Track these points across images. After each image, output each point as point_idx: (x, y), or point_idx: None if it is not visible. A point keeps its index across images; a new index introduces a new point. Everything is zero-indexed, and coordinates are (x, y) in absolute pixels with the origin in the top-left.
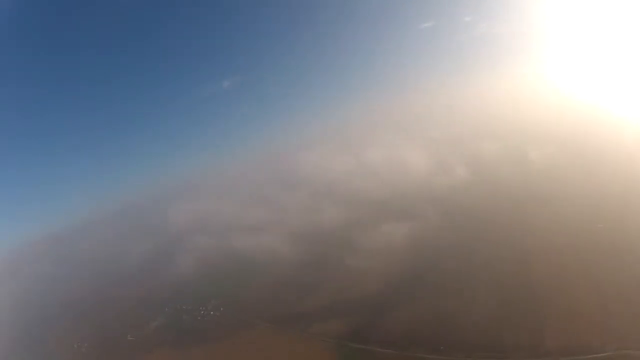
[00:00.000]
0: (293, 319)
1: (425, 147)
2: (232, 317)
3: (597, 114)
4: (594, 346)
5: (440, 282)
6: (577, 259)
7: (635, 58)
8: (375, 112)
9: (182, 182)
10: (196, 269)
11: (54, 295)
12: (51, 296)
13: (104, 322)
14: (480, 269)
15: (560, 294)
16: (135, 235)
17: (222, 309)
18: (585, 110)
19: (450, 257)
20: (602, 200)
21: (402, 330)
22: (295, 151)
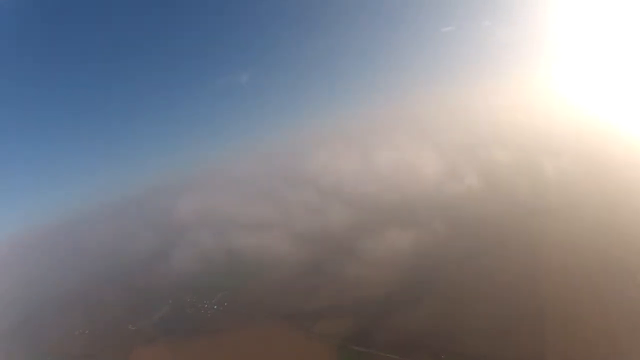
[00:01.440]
0: (296, 318)
1: (435, 152)
2: (235, 312)
3: (614, 126)
4: None
5: (444, 292)
6: (584, 277)
7: None
8: (387, 114)
9: (190, 176)
10: (201, 263)
11: (59, 284)
12: (56, 285)
13: (107, 311)
14: (485, 281)
15: (564, 311)
16: (140, 227)
17: (226, 303)
18: (601, 122)
19: (456, 267)
20: (614, 217)
21: (404, 336)
22: (304, 150)
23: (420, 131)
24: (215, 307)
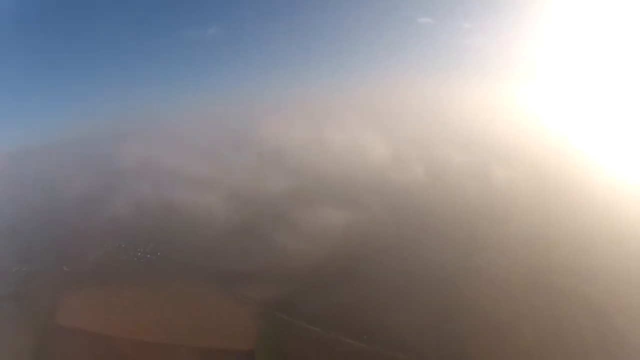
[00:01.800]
0: (223, 278)
1: (389, 139)
2: (166, 263)
3: (576, 141)
4: None
5: (374, 275)
6: (519, 283)
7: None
8: (350, 94)
9: (137, 124)
10: (136, 212)
11: None
12: None
13: (44, 249)
14: (417, 272)
15: (494, 313)
16: (80, 169)
17: (158, 253)
18: (565, 136)
19: (389, 254)
20: (557, 231)
21: (328, 311)
22: (256, 113)
23: (378, 116)
24: (149, 255)
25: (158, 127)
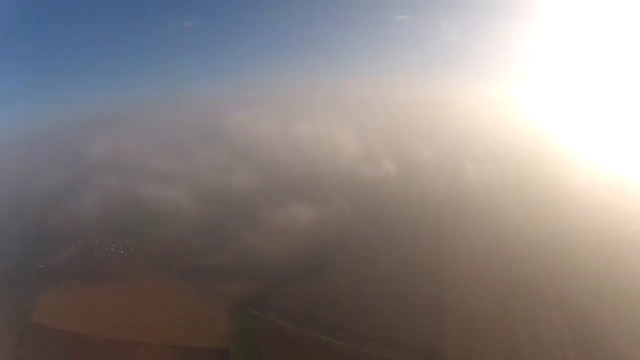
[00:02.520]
0: (197, 274)
1: (360, 133)
2: (139, 259)
3: (555, 141)
4: None
5: (345, 269)
6: (489, 278)
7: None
8: (327, 91)
9: (108, 116)
10: (106, 206)
11: None
12: None
13: (19, 244)
14: (389, 267)
15: (465, 306)
16: (50, 161)
17: (131, 249)
18: (544, 135)
19: (359, 248)
20: (526, 226)
21: (301, 307)
22: (228, 107)
23: (350, 112)
24: (122, 252)
25: (131, 120)
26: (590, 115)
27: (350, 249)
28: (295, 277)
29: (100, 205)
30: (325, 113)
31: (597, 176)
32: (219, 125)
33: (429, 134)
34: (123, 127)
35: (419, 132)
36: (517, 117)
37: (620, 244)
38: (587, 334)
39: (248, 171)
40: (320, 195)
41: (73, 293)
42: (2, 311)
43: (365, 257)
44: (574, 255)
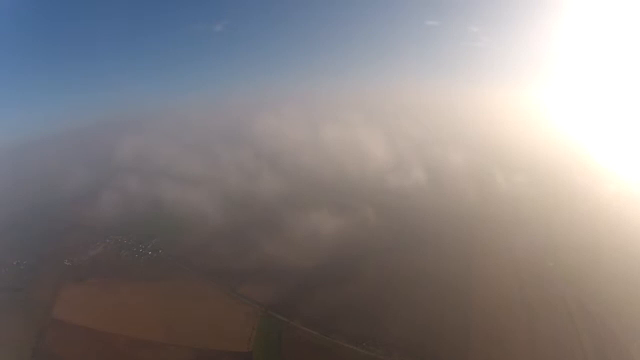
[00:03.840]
0: (224, 277)
1: (390, 141)
2: (166, 261)
3: (583, 149)
4: None
5: (371, 277)
6: (516, 288)
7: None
8: (353, 95)
9: (138, 117)
10: (134, 208)
11: None
12: None
13: (45, 242)
14: (415, 275)
15: (491, 317)
16: (80, 161)
17: (160, 250)
18: (572, 143)
19: (385, 256)
20: (558, 241)
21: (327, 314)
22: (256, 110)
23: (380, 117)
24: (150, 252)
25: (158, 123)
26: (619, 121)
27: (376, 258)
28: (320, 284)
29: (130, 207)
30: (353, 118)
31: (626, 186)
32: (247, 128)
33: (457, 140)
34: (152, 129)
35: (447, 139)
36: (547, 124)
37: None
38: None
39: (275, 176)
40: (347, 202)
41: (97, 291)
42: (24, 306)
43: (391, 267)
44: (604, 269)
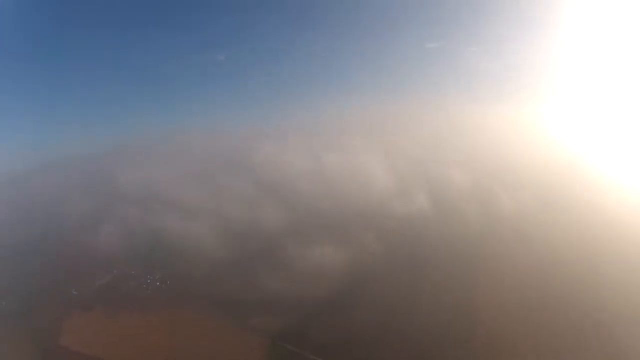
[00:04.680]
0: (233, 308)
1: (393, 165)
2: (176, 292)
3: (586, 167)
4: None
5: (379, 303)
6: (522, 309)
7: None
8: (355, 118)
9: (139, 146)
10: (145, 239)
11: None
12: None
13: (51, 270)
14: (419, 299)
15: (498, 339)
16: (84, 189)
17: (168, 282)
18: (574, 161)
19: (393, 285)
20: (564, 256)
21: (338, 343)
22: (258, 139)
23: (381, 141)
24: (158, 283)
25: (159, 151)
26: (622, 135)
27: (383, 284)
28: (329, 312)
29: (136, 238)
30: (355, 143)
31: (632, 198)
32: (252, 158)
33: (460, 161)
34: (155, 158)
35: (449, 160)
36: (549, 139)
37: None
38: None
39: (279, 205)
40: (350, 229)
41: (104, 320)
42: (30, 332)
43: (398, 292)
44: (614, 288)
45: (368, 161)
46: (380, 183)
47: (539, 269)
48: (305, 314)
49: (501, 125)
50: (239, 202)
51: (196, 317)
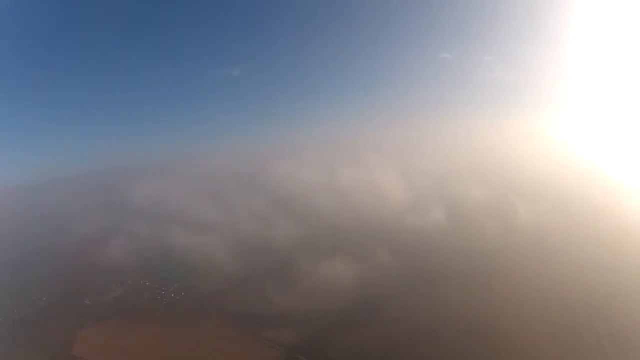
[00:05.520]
0: (248, 321)
1: (407, 180)
2: (190, 304)
3: (602, 178)
4: None
5: (394, 318)
6: (543, 324)
7: None
8: (367, 134)
9: (156, 163)
10: (161, 252)
11: (13, 250)
12: (9, 250)
13: (65, 281)
14: (437, 317)
15: (520, 357)
16: (100, 204)
17: (183, 293)
18: (591, 172)
19: (409, 298)
20: (584, 267)
21: (354, 357)
22: (270, 155)
23: (396, 156)
24: (173, 295)
25: (174, 168)
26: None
27: (399, 298)
28: (345, 326)
29: (151, 251)
30: (369, 158)
31: None
32: (266, 175)
33: (475, 173)
34: (170, 174)
35: (464, 172)
36: (565, 149)
37: None
38: None
39: (294, 220)
40: (366, 243)
41: (117, 331)
42: (43, 341)
43: (415, 306)
44: (637, 298)
45: (383, 176)
46: (396, 197)
47: (560, 283)
48: (320, 328)
49: (517, 136)
50: (255, 217)
51: (211, 329)
